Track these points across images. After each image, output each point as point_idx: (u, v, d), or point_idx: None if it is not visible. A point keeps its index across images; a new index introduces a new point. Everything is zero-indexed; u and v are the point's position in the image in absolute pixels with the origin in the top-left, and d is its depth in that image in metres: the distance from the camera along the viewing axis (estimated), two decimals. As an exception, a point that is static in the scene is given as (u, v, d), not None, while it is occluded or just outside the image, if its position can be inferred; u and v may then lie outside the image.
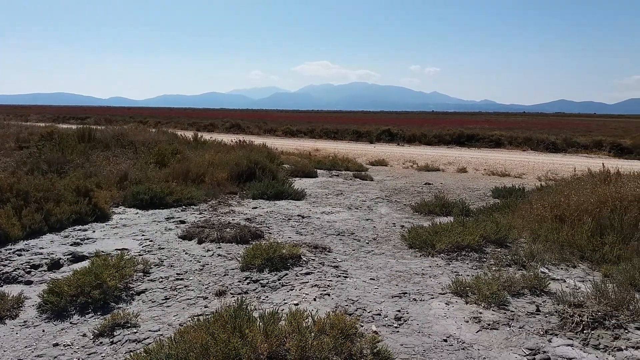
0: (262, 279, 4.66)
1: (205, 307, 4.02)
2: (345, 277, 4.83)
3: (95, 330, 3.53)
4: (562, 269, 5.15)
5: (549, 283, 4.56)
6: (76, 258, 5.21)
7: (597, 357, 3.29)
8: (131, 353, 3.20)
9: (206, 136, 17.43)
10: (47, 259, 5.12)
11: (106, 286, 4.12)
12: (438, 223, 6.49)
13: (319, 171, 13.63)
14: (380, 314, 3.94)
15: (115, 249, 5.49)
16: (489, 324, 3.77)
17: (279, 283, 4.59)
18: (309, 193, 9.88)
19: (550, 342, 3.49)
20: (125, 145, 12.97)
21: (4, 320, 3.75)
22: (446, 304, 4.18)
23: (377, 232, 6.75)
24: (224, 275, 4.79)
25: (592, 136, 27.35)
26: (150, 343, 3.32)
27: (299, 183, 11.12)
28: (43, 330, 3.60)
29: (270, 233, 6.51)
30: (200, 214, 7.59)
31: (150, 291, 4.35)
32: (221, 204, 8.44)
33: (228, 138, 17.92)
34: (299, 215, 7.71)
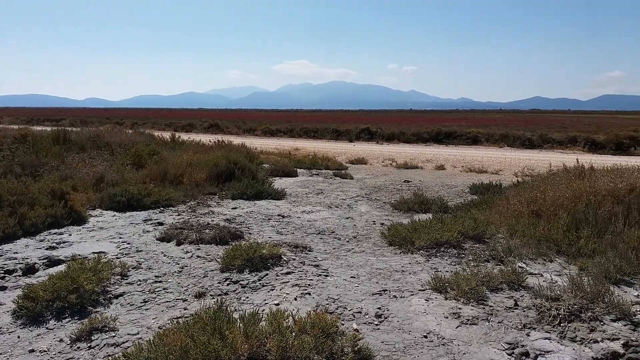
0: (243, 280, 4.63)
1: (185, 310, 3.97)
2: (326, 275, 4.83)
3: (73, 335, 3.47)
4: (539, 263, 5.23)
5: (527, 278, 4.63)
6: (52, 262, 5.10)
7: (574, 349, 3.35)
8: (109, 357, 3.16)
9: (184, 136, 17.29)
10: (21, 263, 5.01)
11: (83, 290, 4.04)
12: (417, 220, 6.54)
13: (299, 170, 13.61)
14: (361, 312, 3.95)
15: (92, 252, 5.39)
16: (468, 320, 3.81)
17: (260, 283, 4.57)
18: (289, 192, 9.86)
19: (529, 336, 3.54)
20: (101, 147, 12.75)
21: (-23, 327, 3.66)
22: (426, 300, 4.21)
23: (357, 230, 6.77)
24: (204, 276, 4.75)
25: (567, 132, 27.91)
26: (129, 347, 3.28)
27: (279, 182, 11.09)
28: (18, 337, 3.52)
29: (250, 233, 6.48)
30: (178, 215, 7.51)
31: (129, 294, 4.29)
32: (200, 205, 8.36)
33: (206, 138, 17.80)
34: (279, 215, 7.68)
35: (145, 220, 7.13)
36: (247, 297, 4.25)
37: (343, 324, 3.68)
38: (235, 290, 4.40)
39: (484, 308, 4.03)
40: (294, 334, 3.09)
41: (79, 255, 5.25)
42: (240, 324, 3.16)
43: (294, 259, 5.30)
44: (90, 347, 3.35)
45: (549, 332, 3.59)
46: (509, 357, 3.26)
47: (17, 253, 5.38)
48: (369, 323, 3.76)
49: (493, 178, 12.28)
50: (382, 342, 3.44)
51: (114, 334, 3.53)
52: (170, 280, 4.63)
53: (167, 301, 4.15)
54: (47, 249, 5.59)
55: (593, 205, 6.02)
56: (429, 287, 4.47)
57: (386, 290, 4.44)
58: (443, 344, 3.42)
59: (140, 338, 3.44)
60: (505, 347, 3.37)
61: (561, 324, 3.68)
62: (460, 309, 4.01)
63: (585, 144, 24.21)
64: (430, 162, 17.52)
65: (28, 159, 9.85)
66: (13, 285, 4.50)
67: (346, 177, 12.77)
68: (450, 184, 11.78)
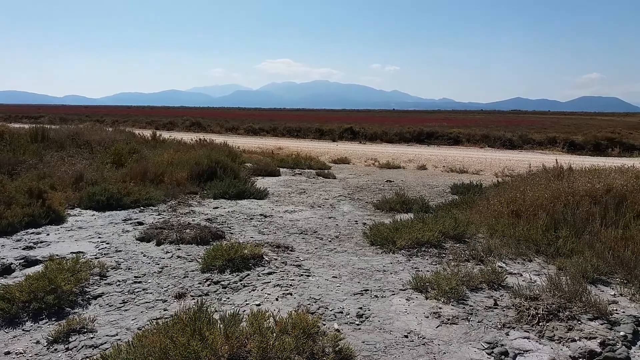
0: (223, 280, 4.60)
1: (165, 310, 3.93)
2: (308, 275, 4.83)
3: (50, 337, 3.41)
4: (518, 263, 5.29)
5: (506, 277, 4.68)
6: (29, 262, 5.00)
7: (552, 348, 3.40)
8: (87, 359, 3.11)
9: (165, 135, 17.10)
10: (-3, 264, 4.91)
11: (61, 291, 3.97)
12: (399, 220, 6.58)
13: (282, 170, 13.58)
14: (342, 312, 3.96)
15: (71, 252, 5.31)
16: (448, 319, 3.84)
17: (241, 284, 4.54)
18: (272, 192, 9.83)
19: (508, 335, 3.59)
20: (80, 145, 12.57)
21: (-50, 329, 3.58)
22: (407, 300, 4.23)
23: (339, 230, 6.77)
24: (184, 277, 4.71)
25: (547, 133, 28.34)
26: (107, 348, 3.24)
27: (261, 182, 11.05)
28: (-7, 339, 3.45)
29: (231, 233, 6.44)
30: (159, 214, 7.43)
31: (107, 295, 4.23)
32: (181, 204, 8.29)
33: (188, 137, 17.65)
34: (261, 215, 7.65)
35: (125, 219, 7.04)
36: (228, 298, 4.22)
37: (324, 324, 3.68)
38: (216, 291, 4.37)
39: (464, 307, 4.07)
40: (274, 334, 3.07)
41: (57, 255, 5.16)
42: (221, 325, 3.14)
43: (276, 259, 5.29)
44: (67, 349, 3.30)
45: (528, 332, 3.64)
46: (489, 356, 3.30)
47: (-8, 253, 5.27)
48: (350, 323, 3.77)
49: (474, 178, 12.41)
50: (363, 342, 3.45)
51: (92, 336, 3.48)
52: (150, 281, 4.58)
53: (147, 302, 4.11)
54: (24, 248, 5.49)
55: (571, 205, 6.13)
56: (410, 287, 4.49)
57: (367, 290, 4.45)
58: (423, 344, 3.45)
59: (119, 339, 3.40)
60: (485, 347, 3.41)
61: (540, 323, 3.74)
62: (440, 308, 4.05)
63: (565, 145, 24.61)
64: (412, 162, 17.64)
65: (5, 157, 9.66)
66: (-12, 286, 4.40)
67: (329, 177, 12.78)
68: (431, 184, 11.86)
